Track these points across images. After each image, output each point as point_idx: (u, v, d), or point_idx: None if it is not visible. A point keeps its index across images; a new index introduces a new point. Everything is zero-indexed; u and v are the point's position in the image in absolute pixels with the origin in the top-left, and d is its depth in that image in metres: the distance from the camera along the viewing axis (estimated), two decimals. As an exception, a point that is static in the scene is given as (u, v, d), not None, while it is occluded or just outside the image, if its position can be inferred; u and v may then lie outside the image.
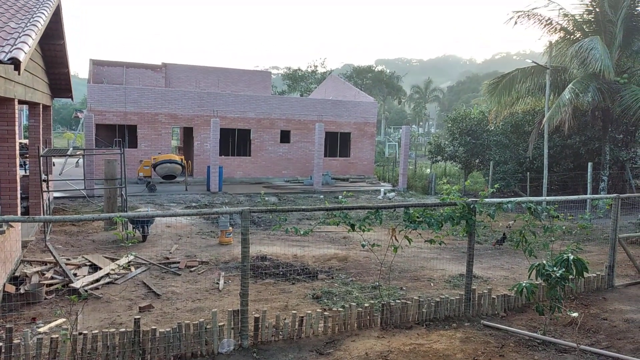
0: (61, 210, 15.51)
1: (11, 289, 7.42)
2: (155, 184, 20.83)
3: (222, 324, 5.72)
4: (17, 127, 8.97)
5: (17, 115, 9.02)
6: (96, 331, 5.33)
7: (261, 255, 10.07)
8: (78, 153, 19.06)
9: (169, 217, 13.76)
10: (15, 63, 6.39)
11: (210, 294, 7.97)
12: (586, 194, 17.06)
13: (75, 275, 8.40)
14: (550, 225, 7.07)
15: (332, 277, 8.94)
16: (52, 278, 8.28)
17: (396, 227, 6.68)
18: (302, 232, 6.34)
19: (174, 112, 24.10)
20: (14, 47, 6.63)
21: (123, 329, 5.40)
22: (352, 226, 6.39)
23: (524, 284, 6.28)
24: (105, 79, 29.49)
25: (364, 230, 6.41)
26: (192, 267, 9.44)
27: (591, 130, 20.34)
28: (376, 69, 73.51)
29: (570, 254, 6.24)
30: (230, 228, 11.90)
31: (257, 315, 5.93)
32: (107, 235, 12.01)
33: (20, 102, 10.27)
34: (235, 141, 26.05)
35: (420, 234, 6.85)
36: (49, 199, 13.50)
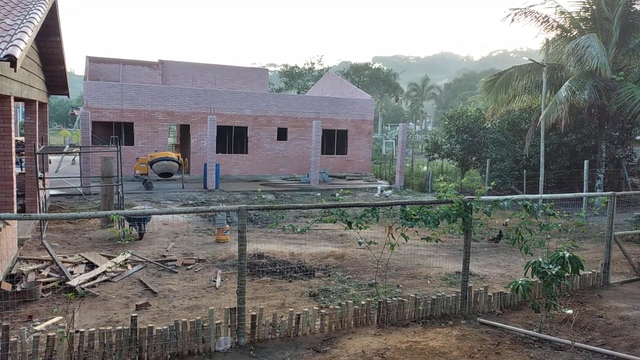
0: (57, 207, 15.48)
1: (7, 287, 7.40)
2: (152, 181, 20.80)
3: (219, 321, 5.73)
4: (13, 125, 8.95)
5: (13, 113, 9.00)
6: (93, 329, 5.33)
7: (258, 253, 10.08)
8: (74, 150, 19.02)
9: (165, 214, 13.76)
10: (12, 60, 6.38)
11: (207, 291, 7.97)
12: (582, 191, 17.12)
13: (71, 273, 8.39)
14: (546, 222, 7.09)
15: (329, 275, 8.96)
16: (48, 276, 8.27)
17: (393, 225, 6.69)
18: (299, 230, 6.35)
19: (170, 110, 24.05)
20: (10, 44, 6.61)
21: (120, 327, 5.40)
22: (349, 224, 6.40)
23: (520, 282, 6.31)
24: (102, 76, 29.39)
25: (360, 228, 6.42)
26: (189, 264, 9.44)
27: (587, 128, 20.39)
28: (373, 67, 73.54)
29: (566, 252, 6.27)
30: (227, 226, 11.90)
31: (254, 313, 5.94)
32: (103, 233, 11.99)
33: (17, 99, 10.23)
34: (232, 139, 26.02)
35: (417, 232, 6.87)
36: (45, 197, 13.46)
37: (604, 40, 17.71)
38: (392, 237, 6.60)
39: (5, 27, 7.30)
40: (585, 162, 17.02)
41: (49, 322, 6.46)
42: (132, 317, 5.38)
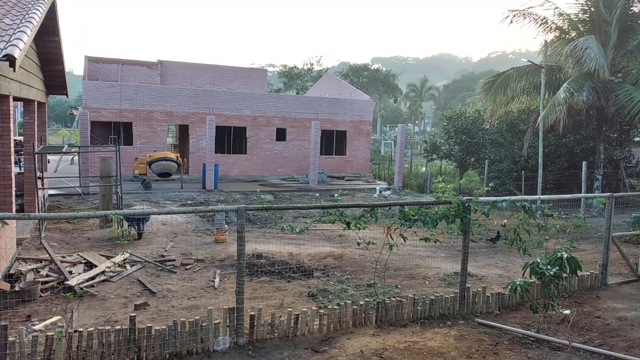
0: (56, 207, 15.46)
1: (6, 286, 7.40)
2: (151, 181, 20.79)
3: (217, 321, 5.73)
4: (11, 124, 8.95)
5: (11, 112, 9.00)
6: (91, 329, 5.33)
7: (257, 253, 10.08)
8: (73, 150, 18.99)
9: (164, 214, 13.75)
10: (10, 60, 6.38)
11: (206, 291, 7.98)
12: (580, 192, 17.14)
13: (70, 272, 8.38)
14: (544, 223, 7.11)
15: (328, 275, 8.96)
16: (47, 276, 8.27)
17: (391, 225, 6.71)
18: (297, 230, 6.36)
19: (169, 110, 24.05)
20: (9, 43, 6.61)
21: (118, 327, 5.40)
22: (348, 224, 6.41)
23: (518, 282, 6.32)
24: (101, 76, 29.37)
25: (359, 229, 6.43)
26: (188, 264, 9.44)
27: (586, 129, 20.43)
28: (372, 67, 73.63)
29: (564, 253, 6.29)
30: (226, 226, 11.90)
31: (252, 313, 5.95)
32: (102, 233, 11.99)
33: (15, 98, 10.23)
34: (231, 139, 26.02)
35: (415, 232, 6.88)
36: (43, 197, 13.45)
37: (603, 42, 17.75)
38: (391, 237, 6.62)
39: (4, 26, 7.30)
40: (584, 163, 17.05)
41: (48, 322, 6.46)
42: (130, 316, 5.38)
